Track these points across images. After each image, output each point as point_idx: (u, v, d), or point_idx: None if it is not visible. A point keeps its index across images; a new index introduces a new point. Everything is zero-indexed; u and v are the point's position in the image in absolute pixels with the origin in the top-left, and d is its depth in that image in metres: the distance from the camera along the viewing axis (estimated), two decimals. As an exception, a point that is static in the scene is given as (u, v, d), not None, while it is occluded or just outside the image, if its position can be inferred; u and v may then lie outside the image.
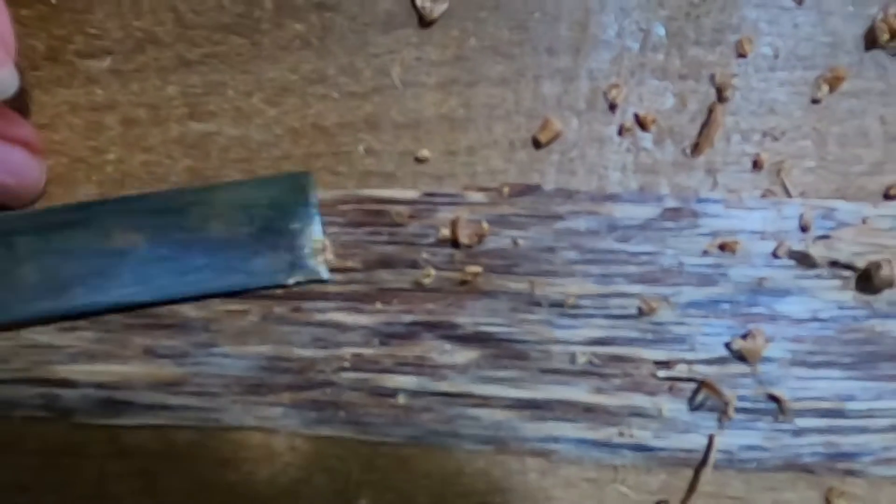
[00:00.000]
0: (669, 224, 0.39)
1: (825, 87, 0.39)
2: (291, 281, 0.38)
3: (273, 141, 0.39)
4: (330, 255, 0.39)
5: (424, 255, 0.39)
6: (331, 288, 0.39)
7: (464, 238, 0.38)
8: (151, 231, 0.38)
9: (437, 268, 0.39)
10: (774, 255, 0.38)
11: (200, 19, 0.40)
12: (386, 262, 0.39)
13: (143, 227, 0.38)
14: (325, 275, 0.38)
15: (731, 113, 0.39)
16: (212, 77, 0.39)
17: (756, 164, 0.39)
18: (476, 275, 0.38)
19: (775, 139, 0.39)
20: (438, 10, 0.39)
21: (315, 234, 0.38)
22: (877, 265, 0.38)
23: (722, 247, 0.38)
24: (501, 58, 0.40)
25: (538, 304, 0.39)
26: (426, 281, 0.39)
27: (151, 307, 0.38)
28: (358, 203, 0.39)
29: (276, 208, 0.38)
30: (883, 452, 0.38)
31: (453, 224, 0.38)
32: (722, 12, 0.39)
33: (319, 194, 0.39)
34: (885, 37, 0.39)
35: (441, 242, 0.39)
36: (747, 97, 0.39)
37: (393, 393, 0.39)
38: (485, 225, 0.38)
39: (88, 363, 0.39)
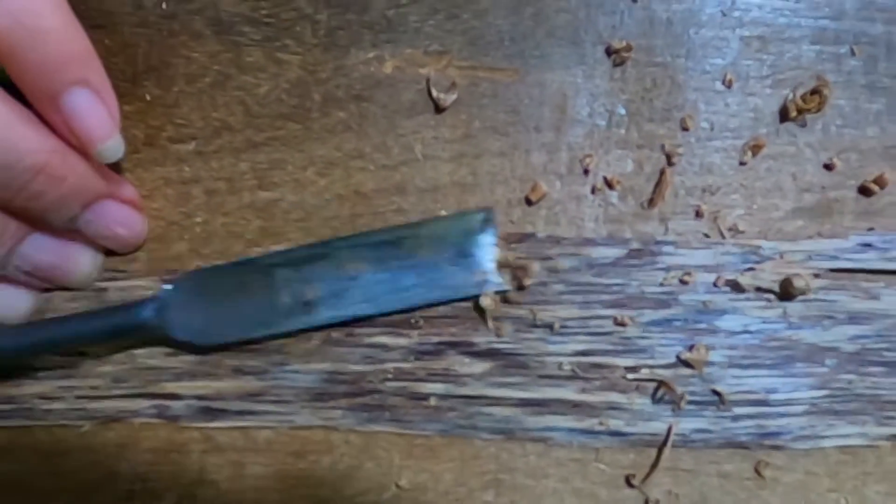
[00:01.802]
0: (633, 262, 0.41)
1: (749, 153, 0.41)
2: (482, 292, 0.40)
3: (324, 205, 0.41)
4: (506, 273, 0.40)
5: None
6: (378, 318, 0.41)
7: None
8: (374, 260, 0.40)
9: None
10: (714, 284, 0.41)
11: (264, 110, 0.41)
12: None
13: (367, 257, 0.40)
14: (506, 286, 0.40)
15: (678, 174, 0.41)
16: (274, 155, 0.41)
17: (698, 214, 0.41)
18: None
19: (712, 194, 0.41)
20: (449, 99, 0.41)
21: (495, 257, 0.40)
22: (789, 280, 0.40)
23: (682, 280, 0.40)
24: (499, 135, 0.41)
25: (535, 326, 0.41)
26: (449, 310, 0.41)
27: (376, 317, 0.40)
28: None
29: (467, 237, 0.40)
30: (799, 431, 0.40)
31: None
32: (669, 95, 0.41)
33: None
34: (794, 112, 0.41)
35: None
36: (690, 161, 0.41)
37: (426, 397, 0.41)
38: (535, 266, 0.40)
39: (190, 380, 0.41)
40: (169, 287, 0.39)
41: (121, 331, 0.39)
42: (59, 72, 0.33)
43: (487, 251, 0.40)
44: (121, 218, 0.39)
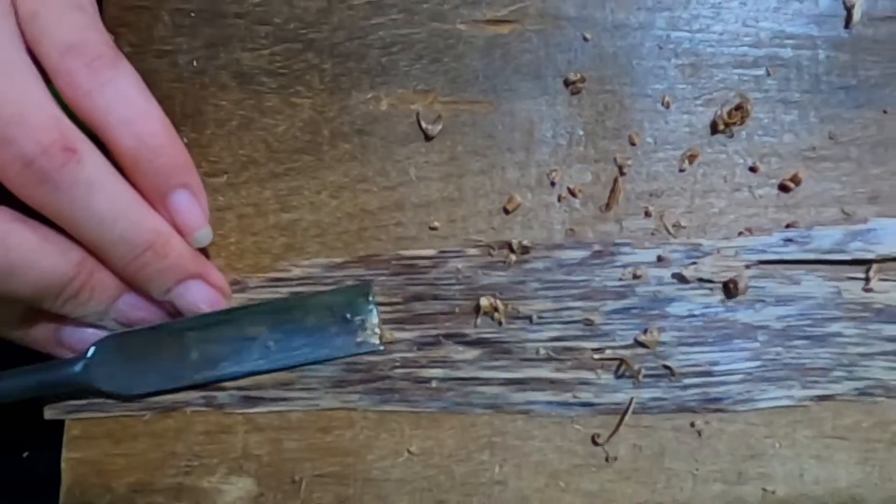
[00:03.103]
0: (596, 261, 0.43)
1: (687, 161, 0.43)
2: (358, 352, 0.42)
3: (336, 222, 0.43)
4: (381, 333, 0.43)
5: (443, 292, 0.43)
6: (385, 316, 0.43)
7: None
8: (270, 324, 0.42)
9: (451, 299, 0.43)
10: (663, 276, 0.43)
11: (282, 146, 0.43)
12: (417, 297, 0.43)
13: (264, 322, 0.42)
14: (381, 346, 0.42)
15: (629, 182, 0.43)
16: (293, 183, 0.43)
17: (647, 214, 0.43)
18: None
19: (658, 196, 0.43)
20: (436, 129, 0.43)
21: (374, 322, 0.43)
22: (734, 281, 0.42)
23: (635, 276, 0.43)
24: (479, 157, 0.43)
25: (517, 318, 0.43)
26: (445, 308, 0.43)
27: (272, 372, 0.42)
28: (397, 260, 0.43)
29: (349, 307, 0.42)
30: (738, 396, 0.42)
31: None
32: (618, 117, 0.44)
33: (373, 252, 0.43)
34: (722, 126, 0.43)
35: (459, 283, 0.43)
36: (638, 171, 0.43)
37: (428, 380, 0.43)
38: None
39: None
40: (94, 348, 0.40)
41: (53, 386, 0.40)
42: (167, 178, 0.37)
43: (367, 317, 0.42)
44: (206, 298, 0.41)
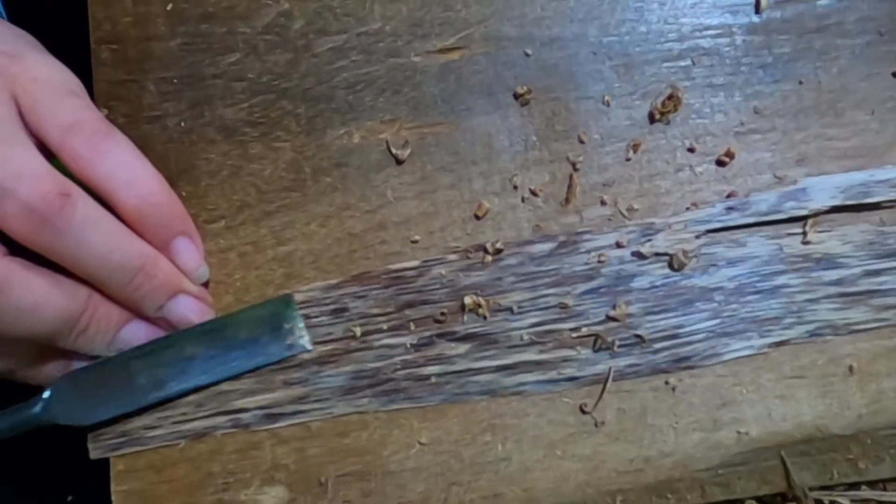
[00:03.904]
0: (563, 250, 0.45)
1: (632, 151, 0.46)
2: (290, 354, 0.45)
3: (328, 248, 0.45)
4: (308, 337, 0.45)
5: (431, 297, 0.46)
6: (384, 325, 0.45)
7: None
8: (207, 343, 0.44)
9: (439, 301, 0.45)
10: (624, 256, 0.45)
11: (271, 187, 0.46)
12: (409, 304, 0.45)
13: (202, 341, 0.44)
14: (309, 346, 0.45)
15: (583, 176, 0.46)
16: (284, 219, 0.46)
17: (602, 203, 0.46)
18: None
19: (610, 186, 0.46)
20: (405, 153, 0.46)
21: (300, 326, 0.45)
22: (676, 256, 0.45)
23: (599, 260, 0.45)
24: (447, 172, 0.46)
25: (499, 311, 0.45)
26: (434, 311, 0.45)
27: (215, 385, 0.45)
28: (386, 274, 0.45)
29: (276, 316, 0.45)
30: (704, 353, 0.45)
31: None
32: (566, 120, 0.47)
33: (363, 269, 0.46)
34: (659, 116, 0.46)
35: (444, 287, 0.46)
36: (590, 165, 0.46)
37: (428, 377, 0.45)
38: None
39: (252, 396, 0.45)
40: (49, 390, 0.43)
41: (16, 427, 0.43)
42: (168, 229, 0.42)
43: (294, 323, 0.45)
44: (194, 309, 0.44)
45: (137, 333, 0.44)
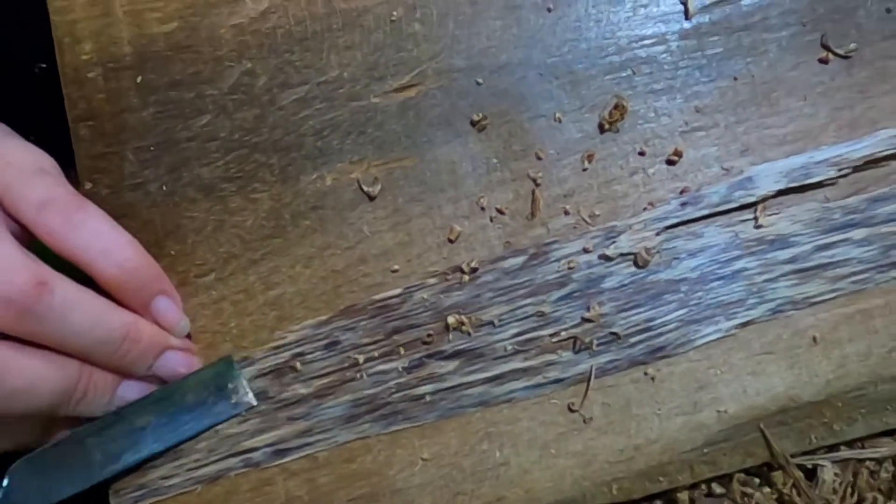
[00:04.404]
0: (534, 262, 0.47)
1: (587, 161, 0.48)
2: (237, 412, 0.47)
3: (314, 287, 0.47)
4: (251, 394, 0.47)
5: (417, 321, 0.48)
6: (375, 353, 0.47)
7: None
8: (156, 412, 0.46)
9: (424, 324, 0.48)
10: (592, 260, 0.47)
11: (254, 236, 0.48)
12: (396, 330, 0.47)
13: (151, 411, 0.46)
14: (254, 402, 0.47)
15: (544, 190, 0.48)
16: (270, 264, 0.47)
17: (566, 213, 0.48)
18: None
19: (570, 196, 0.48)
20: (376, 189, 0.48)
21: (243, 384, 0.47)
22: (639, 254, 0.47)
23: (569, 267, 0.48)
24: (417, 202, 0.48)
25: (482, 326, 0.48)
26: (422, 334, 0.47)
27: (169, 450, 0.46)
28: (371, 305, 0.47)
29: (219, 378, 0.47)
30: (676, 342, 0.48)
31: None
32: (523, 140, 0.49)
33: (350, 303, 0.48)
34: (607, 126, 0.48)
35: (427, 309, 0.48)
36: (550, 179, 0.48)
37: (422, 396, 0.47)
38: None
39: (260, 435, 0.47)
40: (7, 478, 0.43)
41: None
42: (146, 290, 0.44)
43: (237, 382, 0.47)
44: (181, 362, 0.46)
45: (133, 389, 0.45)
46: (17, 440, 0.45)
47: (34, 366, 0.41)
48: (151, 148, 0.48)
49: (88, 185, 0.48)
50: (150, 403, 0.45)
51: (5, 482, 0.43)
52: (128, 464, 0.45)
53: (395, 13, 0.48)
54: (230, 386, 0.47)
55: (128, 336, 0.43)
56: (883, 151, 0.48)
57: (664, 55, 0.50)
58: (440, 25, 0.48)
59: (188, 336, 0.47)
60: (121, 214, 0.47)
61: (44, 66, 0.59)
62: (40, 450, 0.44)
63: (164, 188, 0.48)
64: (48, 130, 0.48)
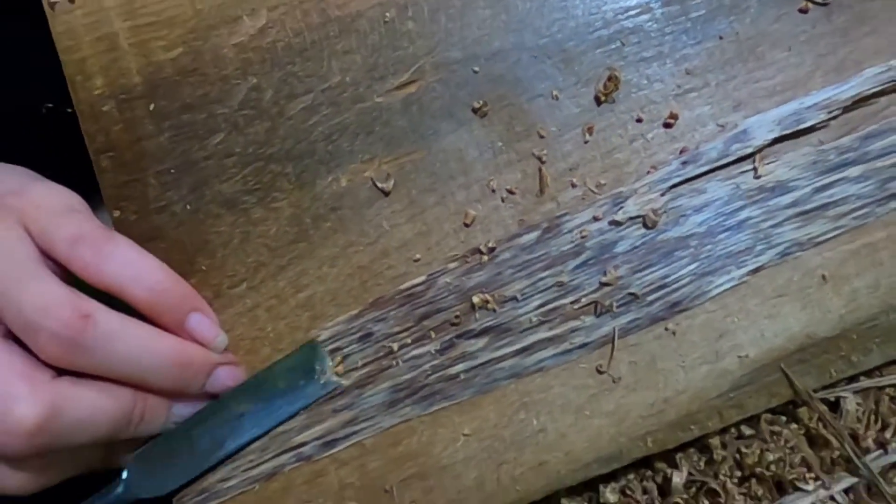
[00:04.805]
0: (548, 235, 0.49)
1: (587, 133, 0.49)
2: (326, 391, 0.49)
3: (342, 285, 0.49)
4: (341, 372, 0.49)
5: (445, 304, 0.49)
6: (408, 340, 0.49)
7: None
8: (252, 399, 0.48)
9: (451, 307, 0.49)
10: (603, 227, 0.49)
11: (279, 243, 0.49)
12: (425, 316, 0.49)
13: (247, 399, 0.48)
14: (343, 382, 0.49)
15: (550, 166, 0.50)
16: (297, 268, 0.49)
17: (573, 185, 0.49)
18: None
19: (575, 169, 0.49)
20: (390, 185, 0.49)
21: (330, 365, 0.49)
22: (647, 216, 0.49)
23: (582, 236, 0.49)
24: (430, 193, 0.49)
25: (506, 301, 0.49)
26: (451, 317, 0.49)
27: (266, 434, 0.49)
28: (398, 294, 0.49)
29: (307, 361, 0.49)
30: (692, 295, 0.49)
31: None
32: (524, 120, 0.50)
33: (378, 295, 0.49)
34: (603, 97, 0.49)
35: (451, 293, 0.49)
36: (554, 155, 0.50)
37: (457, 375, 0.49)
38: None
39: (308, 430, 0.49)
40: (126, 471, 0.46)
41: None
42: (179, 309, 0.45)
43: (324, 364, 0.49)
44: (231, 375, 0.48)
45: (187, 406, 0.47)
46: (84, 465, 0.47)
47: (90, 397, 0.43)
48: (172, 171, 0.50)
49: (116, 213, 0.49)
50: (245, 391, 0.48)
51: (124, 474, 0.46)
52: (230, 450, 0.47)
53: (387, 14, 0.49)
54: (318, 368, 0.49)
55: (177, 361, 0.45)
56: (870, 89, 0.50)
57: (650, 23, 0.51)
58: (432, 21, 0.50)
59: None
60: (150, 237, 0.48)
61: (50, 105, 0.61)
62: (149, 444, 0.47)
63: (189, 207, 0.49)
64: (65, 166, 0.50)
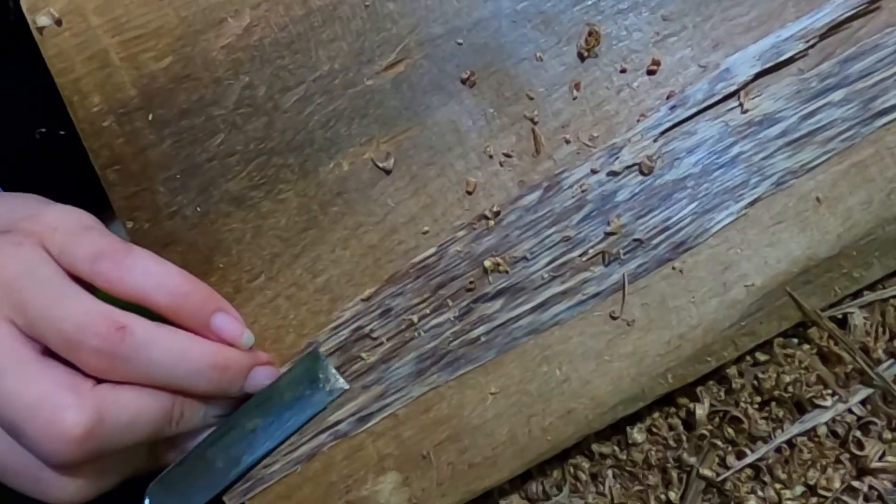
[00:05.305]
0: (549, 193, 0.50)
1: (575, 90, 0.50)
2: (333, 398, 0.50)
3: (356, 265, 0.51)
4: (342, 379, 0.50)
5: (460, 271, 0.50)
6: (426, 310, 0.50)
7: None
8: (261, 414, 0.49)
9: (464, 274, 0.51)
10: (601, 178, 0.50)
11: (290, 233, 0.50)
12: (440, 286, 0.50)
13: (257, 415, 0.49)
14: (346, 386, 0.51)
15: (542, 126, 0.51)
16: (312, 254, 0.50)
17: (567, 142, 0.50)
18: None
19: (567, 126, 0.50)
20: (390, 163, 0.50)
21: (332, 371, 0.50)
22: (643, 163, 0.50)
23: (581, 189, 0.50)
24: (430, 165, 0.50)
25: (516, 262, 0.50)
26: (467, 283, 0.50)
27: (280, 446, 0.50)
28: (412, 268, 0.50)
29: (310, 371, 0.50)
30: (694, 233, 0.50)
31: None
32: (511, 85, 0.51)
33: (392, 271, 0.50)
34: (586, 53, 0.50)
35: (463, 260, 0.50)
36: (545, 115, 0.51)
37: (478, 338, 0.50)
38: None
39: (341, 408, 0.51)
40: (147, 498, 0.48)
41: None
42: (202, 311, 0.47)
43: (327, 371, 0.50)
44: (268, 374, 0.49)
45: (220, 406, 0.49)
46: (133, 467, 0.49)
47: (132, 399, 0.45)
48: (178, 176, 0.51)
49: (130, 224, 0.51)
50: (254, 408, 0.49)
51: (146, 502, 0.48)
52: (247, 465, 0.49)
53: (367, -2, 0.50)
54: (321, 376, 0.50)
55: (215, 363, 0.46)
56: (842, 15, 0.51)
57: (616, -25, 0.51)
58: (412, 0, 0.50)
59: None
60: (165, 243, 0.50)
61: (42, 130, 0.62)
62: (169, 469, 0.48)
63: (199, 209, 0.50)
64: (69, 187, 0.52)
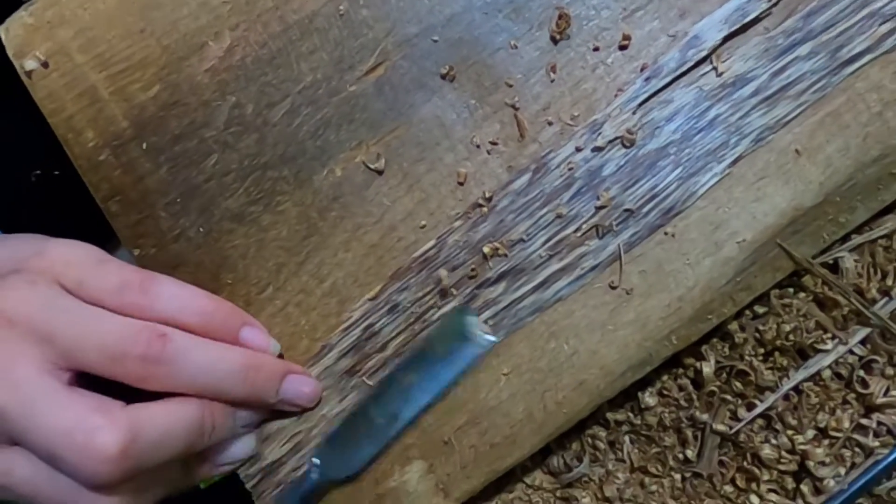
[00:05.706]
0: (538, 175, 0.51)
1: (551, 73, 0.51)
2: (484, 350, 0.52)
3: (360, 266, 0.53)
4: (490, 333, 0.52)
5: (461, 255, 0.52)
6: (432, 301, 0.52)
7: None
8: (416, 369, 0.52)
9: (465, 262, 0.52)
10: (586, 155, 0.51)
11: (292, 242, 0.52)
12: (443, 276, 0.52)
13: (412, 369, 0.52)
14: (496, 339, 0.52)
15: (525, 111, 0.52)
16: (315, 260, 0.52)
17: (549, 124, 0.51)
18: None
19: (548, 108, 0.51)
20: (382, 164, 0.51)
21: (480, 326, 0.52)
22: (624, 136, 0.51)
23: (569, 167, 0.51)
24: (420, 161, 0.51)
25: (514, 244, 0.52)
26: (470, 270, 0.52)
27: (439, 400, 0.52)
28: (414, 262, 0.52)
29: (458, 326, 0.52)
30: (681, 197, 0.51)
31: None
32: (490, 75, 0.52)
33: (395, 268, 0.52)
34: (557, 36, 0.51)
35: (462, 249, 0.52)
36: (525, 100, 0.52)
37: (484, 322, 0.52)
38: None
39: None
40: (315, 459, 0.52)
41: (305, 497, 0.52)
42: (229, 326, 0.49)
43: (473, 326, 0.52)
44: (303, 382, 0.51)
45: (251, 415, 0.51)
46: (170, 485, 0.50)
47: (163, 414, 0.46)
48: (178, 200, 0.52)
49: (136, 251, 0.52)
50: (409, 364, 0.51)
51: (317, 461, 0.52)
52: (406, 420, 0.51)
53: (341, 7, 0.52)
54: (470, 330, 0.51)
55: (250, 365, 0.48)
56: (801, -30, 0.51)
57: (581, -42, 0.52)
58: (384, 3, 0.52)
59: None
60: (173, 266, 0.52)
61: (38, 172, 0.63)
62: (332, 429, 0.51)
63: (202, 230, 0.52)
64: (69, 223, 0.54)
